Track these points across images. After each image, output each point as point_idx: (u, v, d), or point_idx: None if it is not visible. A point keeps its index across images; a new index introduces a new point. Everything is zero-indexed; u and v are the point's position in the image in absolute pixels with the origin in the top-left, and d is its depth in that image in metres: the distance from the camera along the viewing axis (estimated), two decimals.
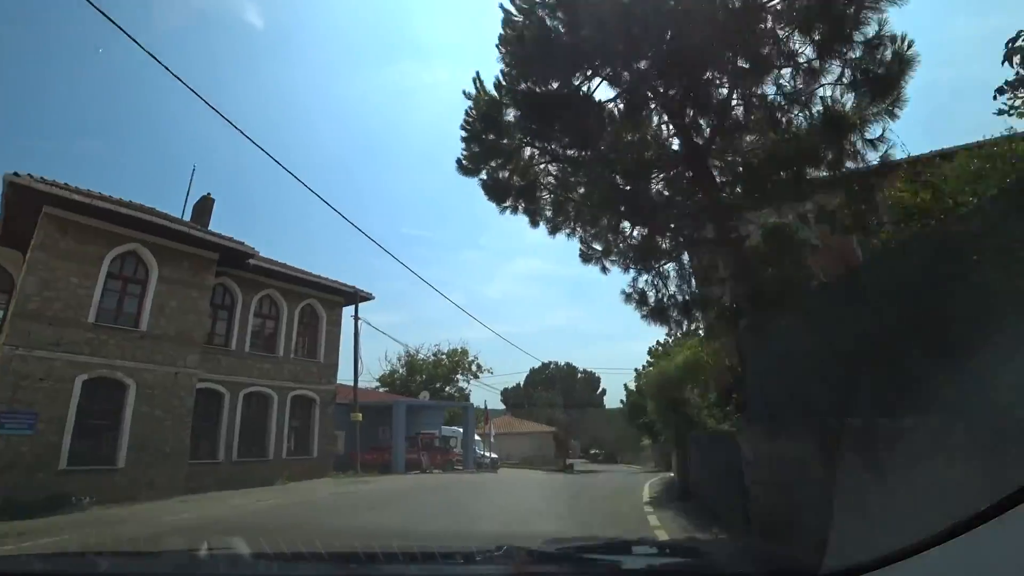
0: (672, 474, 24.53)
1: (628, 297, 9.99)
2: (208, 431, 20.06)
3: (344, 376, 26.93)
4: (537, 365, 67.92)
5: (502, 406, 71.65)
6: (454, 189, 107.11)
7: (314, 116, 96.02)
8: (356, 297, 25.49)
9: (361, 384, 26.77)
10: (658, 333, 74.01)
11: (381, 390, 48.89)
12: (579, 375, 68.01)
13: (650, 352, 48.78)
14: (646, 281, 9.86)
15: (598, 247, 10.48)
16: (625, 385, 45.98)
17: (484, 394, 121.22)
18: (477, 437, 38.84)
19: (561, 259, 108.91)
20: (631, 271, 9.95)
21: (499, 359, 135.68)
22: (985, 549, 1.33)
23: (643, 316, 9.86)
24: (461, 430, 37.39)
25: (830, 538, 2.33)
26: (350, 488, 19.06)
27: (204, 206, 23.06)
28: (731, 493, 8.14)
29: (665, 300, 9.75)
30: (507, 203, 9.74)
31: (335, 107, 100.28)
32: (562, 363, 69.26)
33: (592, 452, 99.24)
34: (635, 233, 9.80)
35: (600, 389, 69.16)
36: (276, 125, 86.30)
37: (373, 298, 26.15)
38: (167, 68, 9.95)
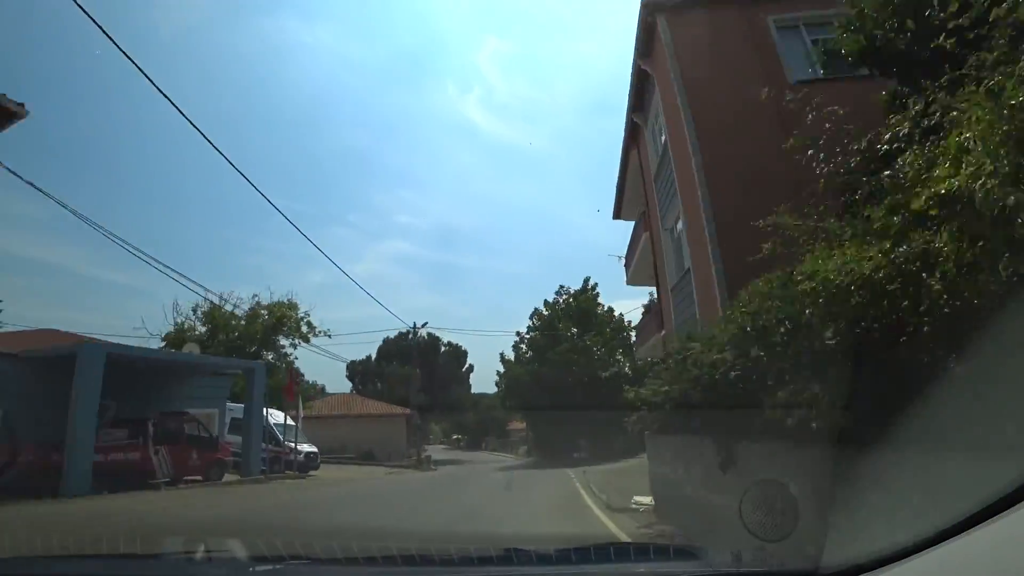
0: (643, 500, 11.32)
1: None
2: None
3: None
4: (393, 335, 54.77)
5: (349, 384, 57.79)
6: (325, 160, 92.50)
7: (166, 56, 73.54)
8: None
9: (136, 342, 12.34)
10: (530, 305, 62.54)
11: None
12: (443, 348, 55.91)
13: (533, 315, 37.97)
14: None
15: None
16: (502, 355, 34.74)
17: (324, 367, 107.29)
18: (288, 421, 25.27)
19: (431, 243, 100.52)
20: None
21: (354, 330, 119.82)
22: (983, 549, 1.30)
23: None
24: (266, 410, 23.68)
25: (827, 538, 2.34)
26: None
27: None
28: None
29: None
30: None
31: (195, 50, 78.46)
32: (424, 334, 56.60)
33: (455, 437, 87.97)
34: None
35: (467, 365, 57.69)
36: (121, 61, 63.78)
37: (25, 115, 11.80)
38: None
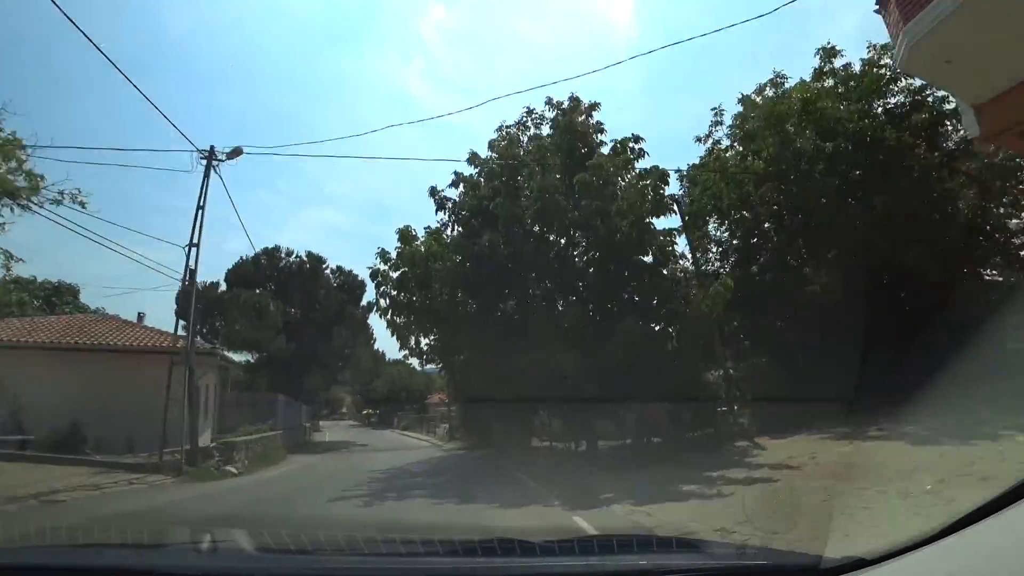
0: None
1: None
2: None
3: None
4: (250, 253, 34.73)
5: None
6: (255, 117, 79.94)
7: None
8: None
9: None
10: None
11: None
12: (328, 272, 36.16)
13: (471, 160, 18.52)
14: None
15: None
16: (400, 231, 15.28)
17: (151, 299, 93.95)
18: None
19: (364, 214, 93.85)
20: None
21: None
22: (985, 544, 1.30)
23: None
24: None
25: (831, 532, 2.47)
26: None
27: None
28: None
29: None
30: None
31: None
32: (301, 252, 36.68)
33: (365, 412, 70.23)
34: None
35: (365, 303, 38.04)
36: None
37: None
38: None
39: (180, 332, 18.86)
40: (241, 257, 35.71)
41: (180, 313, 35.83)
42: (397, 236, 14.16)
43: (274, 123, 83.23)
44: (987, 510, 1.29)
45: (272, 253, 36.43)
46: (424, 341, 16.78)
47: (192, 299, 15.32)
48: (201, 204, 15.92)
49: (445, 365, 17.61)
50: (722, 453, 10.61)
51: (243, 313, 30.54)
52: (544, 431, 18.81)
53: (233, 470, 15.21)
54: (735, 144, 16.41)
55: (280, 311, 31.88)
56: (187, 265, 15.15)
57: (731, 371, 13.05)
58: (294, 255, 36.81)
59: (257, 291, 34.64)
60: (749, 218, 15.80)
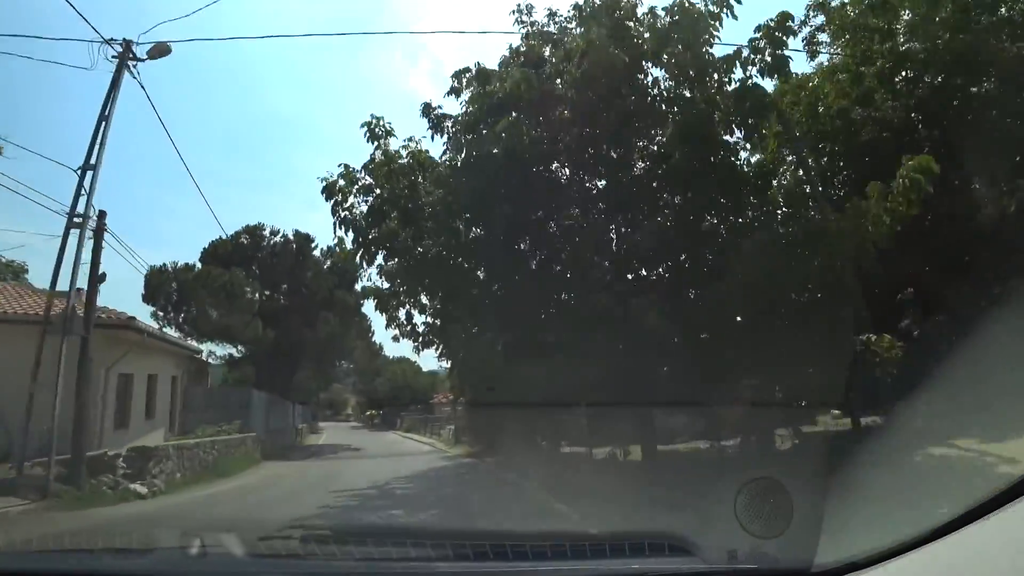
0: None
1: None
2: None
3: None
4: (226, 233, 30.02)
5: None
6: (266, 123, 78.60)
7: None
8: None
9: None
10: None
11: None
12: (318, 254, 31.59)
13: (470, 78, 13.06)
14: None
15: None
16: (367, 124, 10.65)
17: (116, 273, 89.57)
18: None
19: None
20: None
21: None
22: (978, 546, 1.27)
23: None
24: None
25: (822, 534, 2.37)
26: None
27: None
28: None
29: None
30: None
31: None
32: (288, 232, 32.22)
33: (369, 414, 65.40)
34: None
35: (359, 287, 33.37)
36: None
37: None
38: None
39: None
40: (220, 236, 31.17)
41: (148, 296, 31.41)
42: (365, 134, 9.41)
43: (277, 126, 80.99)
44: (980, 512, 1.24)
45: (254, 231, 31.94)
46: (419, 318, 12.22)
47: (83, 238, 10.50)
48: (106, 114, 11.27)
49: (444, 343, 12.98)
50: (925, 469, 5.93)
51: (213, 294, 26.00)
52: (576, 432, 14.19)
53: (141, 489, 10.55)
54: (854, 15, 11.44)
55: (256, 291, 27.39)
56: (77, 193, 10.45)
57: (887, 337, 8.34)
58: (280, 234, 32.38)
59: (233, 269, 30.06)
60: (867, 129, 11.04)
